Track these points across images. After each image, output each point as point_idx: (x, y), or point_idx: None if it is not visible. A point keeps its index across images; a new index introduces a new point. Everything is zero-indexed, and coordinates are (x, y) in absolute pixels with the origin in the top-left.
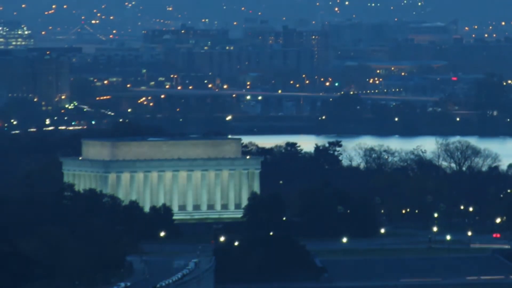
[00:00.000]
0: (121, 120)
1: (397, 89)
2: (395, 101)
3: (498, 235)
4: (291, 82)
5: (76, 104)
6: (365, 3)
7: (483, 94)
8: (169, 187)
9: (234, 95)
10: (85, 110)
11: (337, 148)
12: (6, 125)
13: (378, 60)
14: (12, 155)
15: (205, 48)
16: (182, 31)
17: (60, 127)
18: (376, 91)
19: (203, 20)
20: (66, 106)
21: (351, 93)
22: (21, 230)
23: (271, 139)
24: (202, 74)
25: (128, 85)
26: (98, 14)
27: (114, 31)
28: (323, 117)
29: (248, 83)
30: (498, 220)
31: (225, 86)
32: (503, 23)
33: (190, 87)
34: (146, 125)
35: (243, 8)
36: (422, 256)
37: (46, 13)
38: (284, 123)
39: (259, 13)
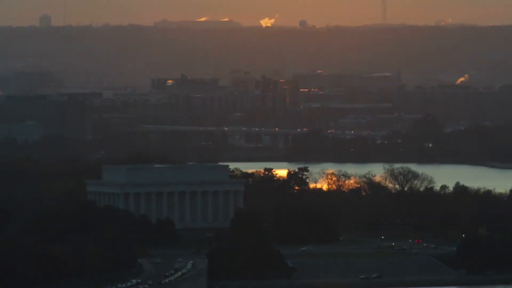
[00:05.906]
0: (133, 150)
1: (353, 126)
2: (351, 135)
3: (420, 241)
4: (269, 120)
5: (98, 138)
6: (327, 58)
7: (421, 130)
8: (172, 203)
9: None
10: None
11: (305, 173)
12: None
13: (338, 103)
14: (46, 178)
15: (200, 93)
16: (182, 80)
17: (84, 156)
18: (336, 127)
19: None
20: (90, 139)
21: (316, 129)
22: (53, 238)
23: (252, 166)
24: (197, 114)
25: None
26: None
27: (127, 80)
28: (294, 148)
29: (234, 121)
30: (432, 230)
31: (216, 124)
32: (437, 74)
33: (188, 125)
34: (153, 155)
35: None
36: (373, 259)
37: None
38: (263, 153)
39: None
